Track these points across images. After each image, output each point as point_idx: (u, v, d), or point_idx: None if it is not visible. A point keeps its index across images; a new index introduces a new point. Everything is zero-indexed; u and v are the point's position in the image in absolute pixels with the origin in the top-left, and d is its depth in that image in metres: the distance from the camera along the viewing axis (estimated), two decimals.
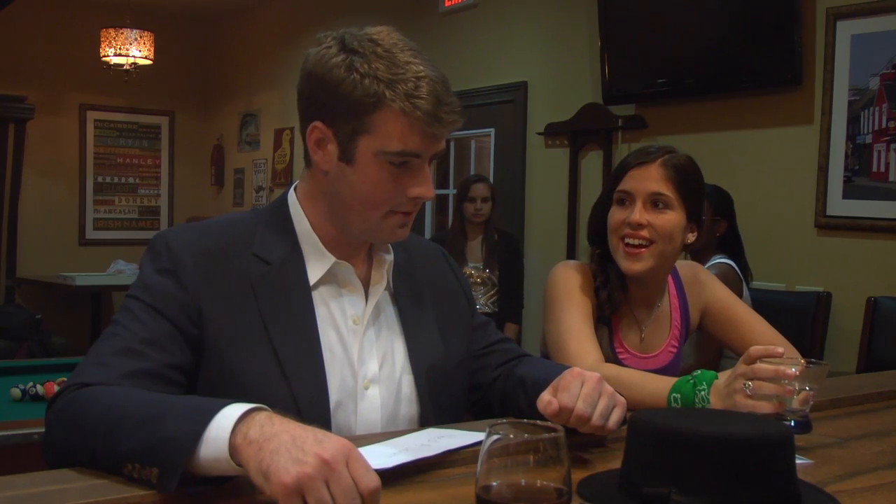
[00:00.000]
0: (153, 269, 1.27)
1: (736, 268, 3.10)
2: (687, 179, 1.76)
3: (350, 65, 1.23)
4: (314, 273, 1.33)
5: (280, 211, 1.37)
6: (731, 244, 3.26)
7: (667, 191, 1.73)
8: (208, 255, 1.28)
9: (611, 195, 1.79)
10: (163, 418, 1.02)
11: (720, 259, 3.14)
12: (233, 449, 0.96)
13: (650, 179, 1.73)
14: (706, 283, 1.95)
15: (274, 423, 0.96)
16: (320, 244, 1.34)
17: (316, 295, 1.33)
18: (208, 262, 1.27)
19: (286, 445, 0.91)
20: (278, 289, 1.29)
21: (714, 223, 3.19)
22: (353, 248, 1.37)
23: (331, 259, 1.33)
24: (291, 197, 1.38)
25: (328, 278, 1.34)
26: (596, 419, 1.18)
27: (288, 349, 1.27)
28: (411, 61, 1.25)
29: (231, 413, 0.98)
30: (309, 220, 1.35)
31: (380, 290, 1.38)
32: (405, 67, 1.24)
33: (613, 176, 1.81)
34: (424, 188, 1.30)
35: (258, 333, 1.26)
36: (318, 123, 1.28)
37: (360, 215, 1.31)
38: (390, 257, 1.40)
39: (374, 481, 0.90)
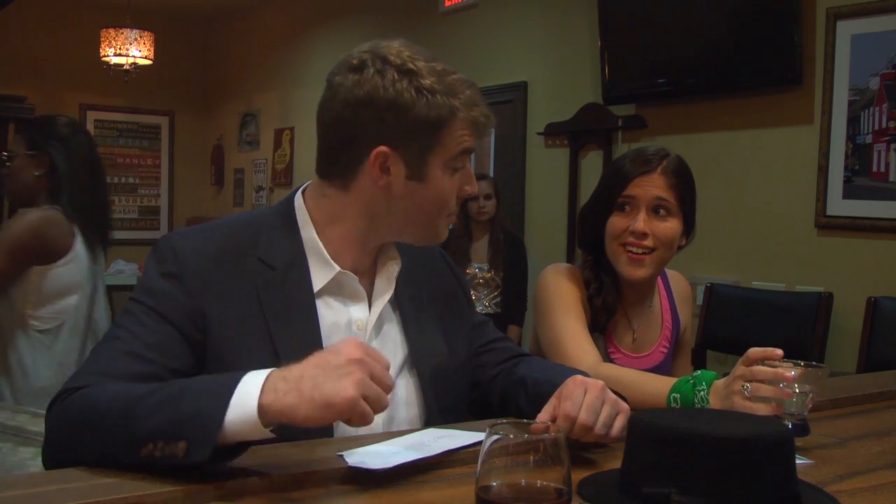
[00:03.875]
0: (158, 272, 1.26)
1: None
2: (686, 184, 1.78)
3: (418, 86, 1.25)
4: (318, 280, 1.31)
5: (286, 214, 1.35)
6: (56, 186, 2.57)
7: (669, 197, 1.75)
8: (214, 259, 1.27)
9: (608, 202, 1.79)
10: (182, 396, 1.04)
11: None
12: (264, 409, 1.01)
13: (653, 186, 1.74)
14: (690, 305, 2.01)
15: (291, 370, 1.04)
16: (325, 253, 1.32)
17: (320, 302, 1.32)
18: (214, 267, 1.26)
19: (321, 373, 1.01)
20: (283, 294, 1.28)
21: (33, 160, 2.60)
22: (359, 257, 1.35)
23: (335, 268, 1.32)
24: (298, 201, 1.36)
25: (332, 286, 1.33)
26: (599, 428, 1.18)
27: (291, 355, 1.25)
28: (448, 69, 1.29)
29: (253, 380, 1.04)
30: (315, 228, 1.33)
31: (385, 299, 1.37)
32: (451, 77, 1.28)
33: (609, 183, 1.80)
34: (472, 184, 1.37)
35: (262, 339, 1.25)
36: (382, 148, 1.26)
37: (424, 226, 1.34)
38: (398, 266, 1.39)
39: (385, 359, 1.06)
